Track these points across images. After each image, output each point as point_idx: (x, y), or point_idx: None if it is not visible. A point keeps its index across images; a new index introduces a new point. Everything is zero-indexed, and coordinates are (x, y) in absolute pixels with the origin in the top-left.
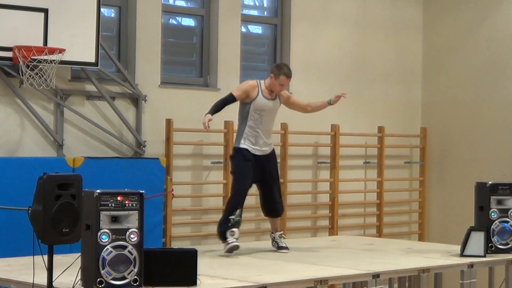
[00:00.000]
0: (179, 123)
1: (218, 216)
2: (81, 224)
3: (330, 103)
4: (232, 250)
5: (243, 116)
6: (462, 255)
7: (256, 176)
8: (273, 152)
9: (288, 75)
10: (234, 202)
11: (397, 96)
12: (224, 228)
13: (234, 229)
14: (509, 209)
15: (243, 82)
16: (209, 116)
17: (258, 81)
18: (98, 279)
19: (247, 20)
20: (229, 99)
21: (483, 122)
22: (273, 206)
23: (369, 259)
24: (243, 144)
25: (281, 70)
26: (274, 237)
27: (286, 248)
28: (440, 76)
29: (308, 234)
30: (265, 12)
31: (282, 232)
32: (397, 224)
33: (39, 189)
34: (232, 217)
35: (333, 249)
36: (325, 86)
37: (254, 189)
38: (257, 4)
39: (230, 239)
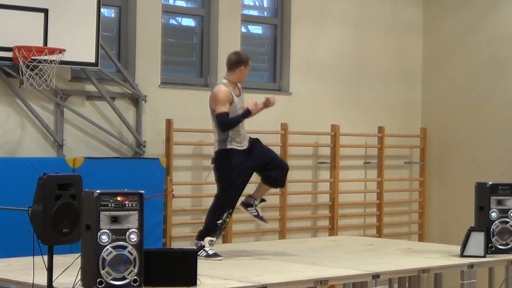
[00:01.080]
0: (179, 123)
1: None
2: (81, 224)
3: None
4: (216, 259)
5: None
6: (462, 255)
7: (249, 168)
8: (251, 139)
9: (250, 58)
10: (222, 206)
11: (397, 96)
12: (205, 234)
13: (213, 238)
14: (509, 209)
15: (218, 93)
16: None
17: (223, 84)
18: (98, 279)
19: (247, 20)
20: (236, 117)
21: (483, 122)
22: (282, 173)
23: (369, 259)
24: (230, 145)
25: (247, 58)
26: (255, 203)
27: (265, 220)
28: (440, 76)
29: (308, 234)
30: (265, 12)
31: (266, 201)
32: (397, 224)
33: (39, 189)
34: (220, 221)
35: (333, 249)
36: (325, 86)
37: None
38: (257, 4)
39: (210, 250)
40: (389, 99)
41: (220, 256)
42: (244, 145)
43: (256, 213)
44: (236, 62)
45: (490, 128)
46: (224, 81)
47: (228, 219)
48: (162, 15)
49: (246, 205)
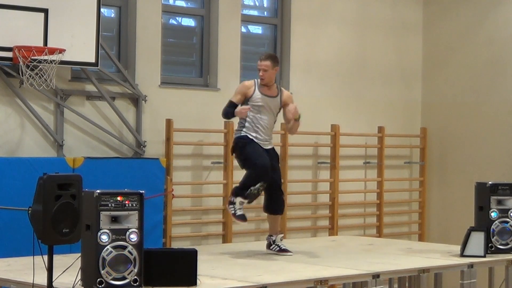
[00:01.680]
0: (179, 123)
1: (218, 216)
2: (81, 224)
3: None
4: (241, 219)
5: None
6: (462, 255)
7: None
8: (274, 149)
9: (260, 58)
10: (254, 175)
11: (397, 96)
12: (238, 194)
13: (245, 200)
14: (509, 209)
15: (240, 85)
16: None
17: (255, 80)
18: (98, 279)
19: (247, 20)
20: (231, 107)
21: (483, 122)
22: (278, 202)
23: (369, 259)
24: (244, 132)
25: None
26: (274, 240)
27: (290, 251)
28: (440, 76)
29: (308, 234)
30: (265, 12)
31: (282, 234)
32: (397, 224)
33: (39, 189)
34: (252, 187)
35: (333, 249)
36: (325, 86)
37: None
38: (257, 4)
39: (238, 210)
40: (389, 99)
41: (245, 220)
42: (260, 140)
43: (278, 249)
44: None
45: (490, 128)
46: (258, 79)
47: (260, 191)
48: (162, 15)
49: (269, 246)
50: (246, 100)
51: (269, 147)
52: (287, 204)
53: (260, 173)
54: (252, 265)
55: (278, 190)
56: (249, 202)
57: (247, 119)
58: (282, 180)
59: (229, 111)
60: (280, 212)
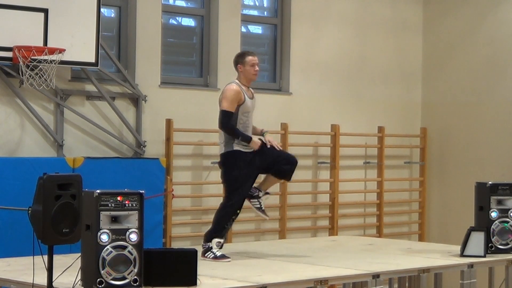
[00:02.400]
0: (179, 123)
1: None
2: (81, 224)
3: (262, 134)
4: (225, 261)
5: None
6: (462, 255)
7: (256, 168)
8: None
9: (252, 53)
10: (228, 213)
11: (397, 96)
12: (213, 236)
13: (221, 240)
14: (509, 209)
15: (227, 91)
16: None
17: (236, 83)
18: (98, 279)
19: (247, 20)
20: (230, 118)
21: (483, 122)
22: (291, 165)
23: (369, 259)
24: (236, 147)
25: (244, 54)
26: (259, 195)
27: (267, 215)
28: (440, 76)
29: (308, 234)
30: (265, 12)
31: (268, 195)
32: (397, 224)
33: (39, 189)
34: (228, 225)
35: (333, 249)
36: (325, 86)
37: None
38: (257, 4)
39: (218, 252)
40: (389, 99)
41: (228, 257)
42: (249, 147)
43: (259, 205)
44: (234, 62)
45: (490, 128)
46: (236, 80)
47: (233, 221)
48: (162, 15)
49: (250, 196)
50: (237, 106)
51: None
52: (287, 204)
53: (234, 210)
54: (252, 265)
55: (282, 154)
56: (224, 237)
57: (238, 127)
58: (282, 180)
59: (240, 135)
60: (289, 177)
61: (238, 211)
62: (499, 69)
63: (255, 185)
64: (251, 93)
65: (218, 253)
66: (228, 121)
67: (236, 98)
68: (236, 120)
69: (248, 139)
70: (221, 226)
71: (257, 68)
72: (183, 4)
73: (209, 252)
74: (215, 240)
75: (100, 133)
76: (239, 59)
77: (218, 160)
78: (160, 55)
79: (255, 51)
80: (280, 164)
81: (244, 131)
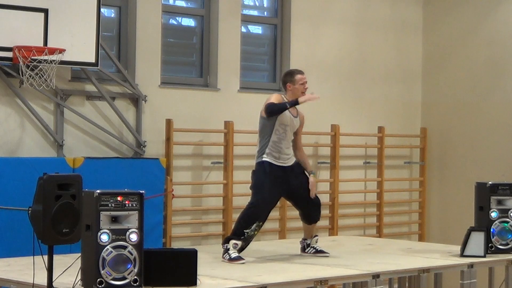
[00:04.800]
0: (179, 123)
1: (218, 216)
2: (81, 224)
3: (308, 174)
4: (238, 262)
5: (266, 131)
6: (462, 255)
7: (283, 187)
8: (296, 162)
9: (301, 72)
10: (249, 216)
11: (397, 96)
12: (231, 238)
13: (238, 242)
14: (509, 209)
15: (271, 97)
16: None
17: (282, 96)
18: (98, 279)
19: (247, 20)
20: (281, 104)
21: (483, 122)
22: (313, 212)
23: (369, 259)
24: (266, 158)
25: (293, 73)
26: (309, 243)
27: (326, 252)
28: (440, 76)
29: None
30: (265, 12)
31: (318, 236)
32: (397, 224)
33: (39, 189)
34: (247, 231)
35: (333, 249)
36: (325, 86)
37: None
38: (257, 4)
39: (233, 254)
40: (389, 99)
41: (242, 259)
42: (282, 162)
43: (314, 251)
44: (283, 82)
45: (490, 128)
46: (284, 97)
47: (256, 232)
48: (162, 15)
49: (304, 249)
50: (274, 117)
51: (291, 162)
52: (288, 204)
53: (255, 214)
54: (252, 265)
55: (310, 199)
56: (245, 245)
57: (272, 138)
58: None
59: (286, 104)
60: (316, 220)
61: (261, 223)
62: (499, 69)
63: (300, 240)
64: (295, 111)
65: (233, 255)
66: (273, 106)
67: (276, 101)
68: (272, 129)
69: (294, 101)
70: (240, 230)
71: (306, 86)
72: (183, 4)
73: (226, 254)
74: (232, 241)
75: (100, 133)
76: (288, 78)
77: (218, 160)
78: (160, 55)
79: (255, 51)
80: (305, 208)
81: (278, 142)
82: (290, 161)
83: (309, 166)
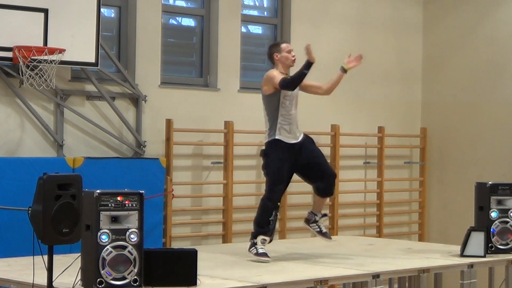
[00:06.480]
0: (179, 123)
1: (218, 216)
2: (81, 224)
3: (344, 70)
4: (264, 260)
5: (273, 108)
6: (462, 255)
7: (296, 165)
8: (306, 136)
9: (286, 41)
10: (271, 201)
11: (397, 96)
12: (258, 232)
13: (266, 237)
14: (509, 209)
15: (270, 74)
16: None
17: (275, 70)
18: (98, 279)
19: (247, 20)
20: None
21: (483, 122)
22: (327, 184)
23: (369, 259)
24: (278, 135)
25: (278, 43)
26: (317, 220)
27: (330, 237)
28: (440, 76)
29: (308, 234)
30: (265, 12)
31: (327, 216)
32: (397, 224)
33: (39, 189)
34: (272, 218)
35: (333, 249)
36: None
37: (250, 189)
38: (257, 4)
39: (260, 249)
40: (389, 99)
41: (268, 257)
42: (294, 137)
43: (318, 229)
44: (268, 54)
45: (490, 128)
46: (274, 69)
47: (277, 215)
48: (162, 15)
49: (309, 221)
50: (277, 91)
51: (301, 137)
52: (287, 204)
53: (274, 202)
54: (252, 265)
55: (325, 169)
56: (271, 238)
57: (280, 116)
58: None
59: (303, 69)
60: (330, 193)
61: (279, 203)
62: (499, 69)
63: (310, 210)
64: (287, 76)
65: (260, 250)
66: (291, 79)
67: (278, 75)
68: (278, 105)
69: (307, 62)
70: (264, 219)
71: (294, 53)
72: (183, 4)
73: (253, 248)
74: (260, 237)
75: (100, 133)
76: (274, 49)
77: (218, 160)
78: (160, 55)
79: (255, 51)
80: (318, 177)
81: (287, 114)
82: (300, 134)
83: (338, 74)
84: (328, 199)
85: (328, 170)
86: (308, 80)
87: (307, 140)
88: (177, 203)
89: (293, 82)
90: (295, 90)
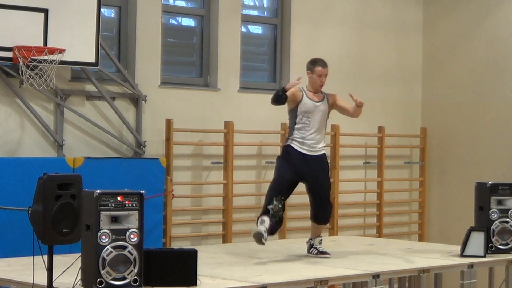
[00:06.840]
0: (179, 123)
1: (218, 216)
2: (81, 224)
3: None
4: (256, 237)
5: (292, 120)
6: (462, 255)
7: (300, 171)
8: (322, 156)
9: (324, 65)
10: (271, 191)
11: (397, 96)
12: (261, 215)
13: (264, 217)
14: (509, 209)
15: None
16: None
17: (301, 87)
18: (98, 279)
19: (247, 20)
20: (280, 90)
21: (483, 122)
22: (320, 212)
23: (369, 259)
24: (290, 143)
25: (316, 63)
26: (313, 243)
27: (328, 253)
28: (440, 76)
29: (308, 234)
30: (265, 12)
31: (321, 237)
32: (397, 224)
33: (39, 189)
34: (270, 206)
35: (333, 249)
36: (325, 86)
37: (250, 189)
38: (257, 4)
39: (320, 248)
40: (389, 99)
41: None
42: (307, 151)
43: (317, 251)
44: (307, 68)
45: (490, 128)
46: (304, 86)
47: (278, 207)
48: (162, 15)
49: (308, 249)
50: (295, 105)
51: (318, 153)
52: (288, 204)
53: (273, 190)
54: (252, 265)
55: (320, 199)
56: (275, 225)
57: (296, 126)
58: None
59: (278, 92)
60: (322, 222)
61: (282, 198)
62: (499, 69)
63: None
64: (321, 96)
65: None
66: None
67: (292, 91)
68: (296, 118)
69: (281, 88)
70: (264, 207)
71: (324, 80)
72: (183, 4)
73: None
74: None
75: (100, 133)
76: (310, 66)
77: (218, 160)
78: (160, 55)
79: (255, 51)
80: (316, 205)
81: (302, 131)
82: (315, 152)
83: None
84: (323, 227)
85: (325, 201)
86: (342, 101)
87: (321, 162)
88: (177, 203)
89: (271, 100)
90: (316, 107)
